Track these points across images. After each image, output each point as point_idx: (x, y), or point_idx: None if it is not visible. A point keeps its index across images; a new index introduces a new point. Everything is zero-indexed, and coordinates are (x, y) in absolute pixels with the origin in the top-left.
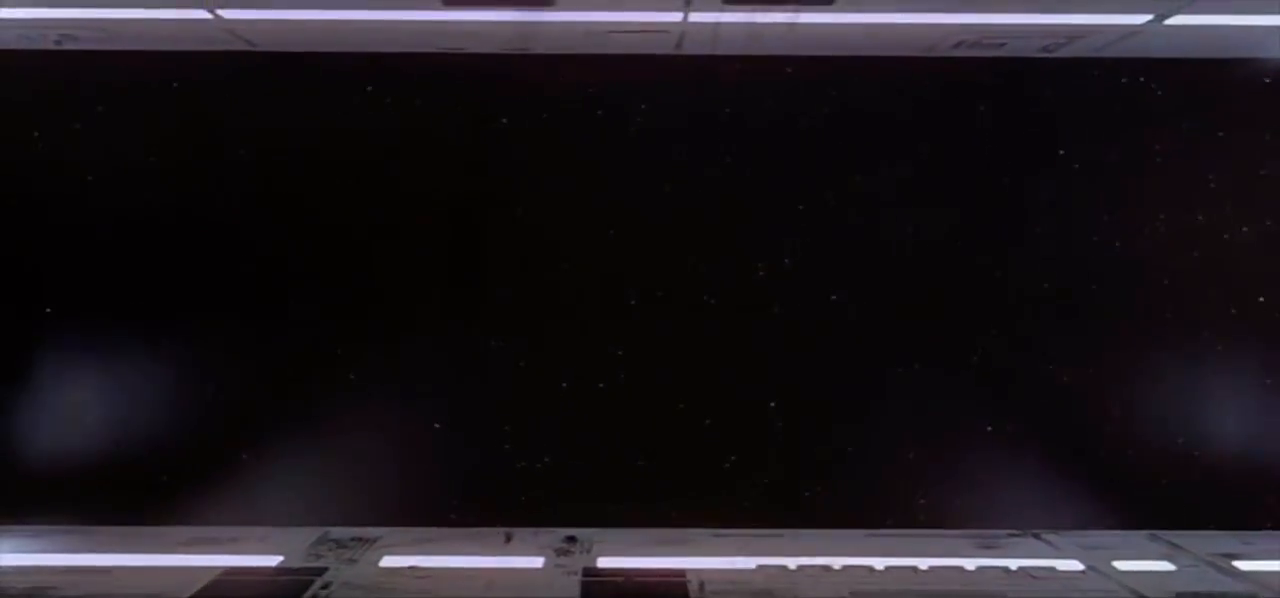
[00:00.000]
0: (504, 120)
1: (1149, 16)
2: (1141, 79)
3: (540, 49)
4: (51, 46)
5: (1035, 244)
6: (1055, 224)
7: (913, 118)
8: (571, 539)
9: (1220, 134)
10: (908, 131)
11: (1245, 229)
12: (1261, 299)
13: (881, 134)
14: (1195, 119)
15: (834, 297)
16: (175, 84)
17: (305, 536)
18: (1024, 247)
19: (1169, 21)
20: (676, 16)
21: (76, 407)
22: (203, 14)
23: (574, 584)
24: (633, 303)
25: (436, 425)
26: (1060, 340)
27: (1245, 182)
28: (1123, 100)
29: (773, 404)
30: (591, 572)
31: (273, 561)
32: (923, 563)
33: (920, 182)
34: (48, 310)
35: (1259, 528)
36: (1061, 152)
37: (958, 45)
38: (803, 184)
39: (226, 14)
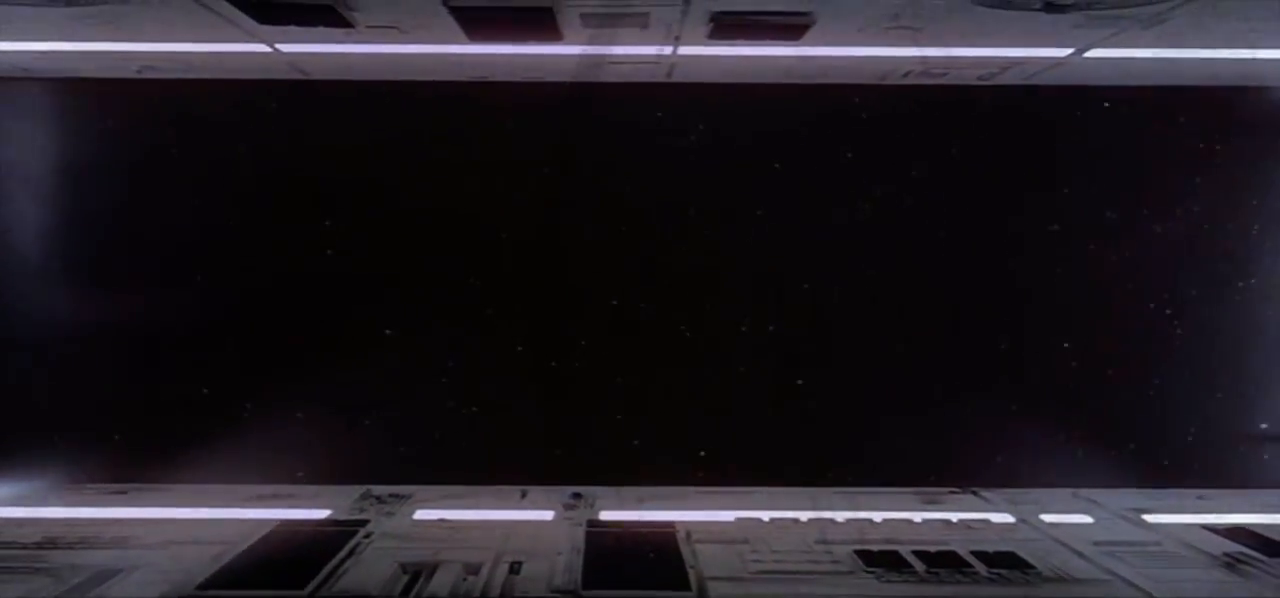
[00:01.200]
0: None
1: (1071, 50)
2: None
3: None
4: (133, 75)
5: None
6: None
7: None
8: (577, 496)
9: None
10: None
11: (1158, 229)
12: (1168, 309)
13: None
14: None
15: (806, 285)
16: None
17: (350, 493)
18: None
19: (1088, 54)
20: (664, 49)
21: (160, 384)
22: (264, 48)
23: (579, 534)
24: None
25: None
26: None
27: (1155, 187)
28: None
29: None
30: (595, 523)
31: (322, 513)
32: (877, 516)
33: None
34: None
35: (1165, 488)
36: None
37: (907, 75)
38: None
39: (284, 48)
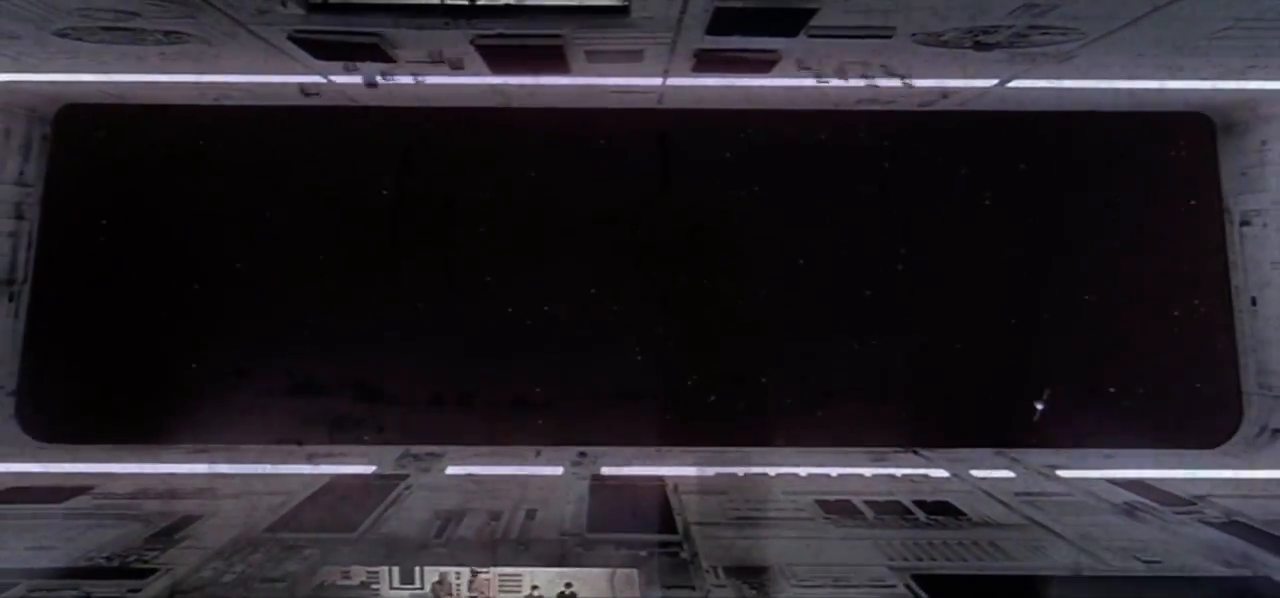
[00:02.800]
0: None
1: (994, 81)
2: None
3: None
4: (211, 103)
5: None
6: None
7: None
8: (583, 454)
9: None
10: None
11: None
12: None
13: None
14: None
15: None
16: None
17: (393, 452)
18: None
19: (1010, 84)
20: (656, 81)
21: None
22: (319, 79)
23: (584, 486)
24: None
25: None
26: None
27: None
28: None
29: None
30: (597, 477)
31: (369, 469)
32: (833, 471)
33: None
34: (194, 285)
35: (1075, 448)
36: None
37: (859, 102)
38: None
39: (337, 79)
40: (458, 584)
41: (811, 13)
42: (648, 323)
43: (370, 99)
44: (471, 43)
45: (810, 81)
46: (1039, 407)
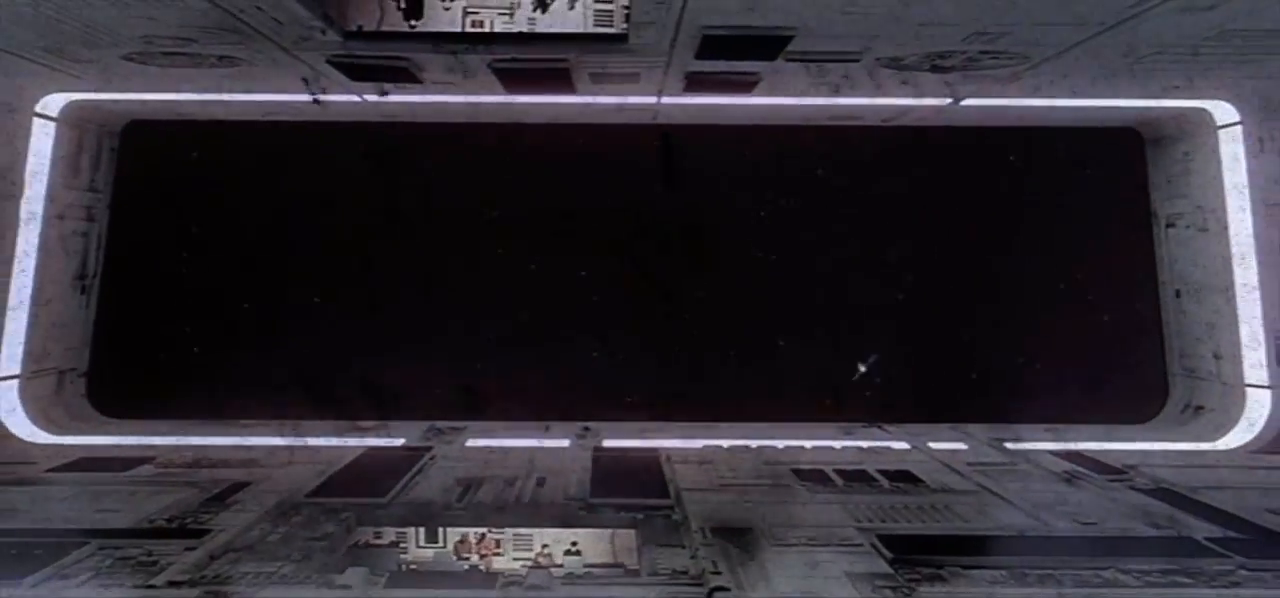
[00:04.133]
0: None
1: (949, 100)
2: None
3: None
4: (260, 118)
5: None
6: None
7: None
8: (587, 429)
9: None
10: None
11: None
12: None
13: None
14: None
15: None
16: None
17: (419, 427)
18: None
19: (963, 103)
20: (651, 99)
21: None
22: (355, 98)
23: (588, 457)
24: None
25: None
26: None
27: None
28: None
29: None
30: (599, 449)
31: (398, 442)
32: (808, 443)
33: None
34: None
35: (1021, 423)
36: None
37: (831, 118)
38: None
39: (390, 99)
40: (476, 544)
41: (788, 40)
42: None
43: (393, 115)
44: (489, 66)
45: (788, 100)
46: (862, 368)
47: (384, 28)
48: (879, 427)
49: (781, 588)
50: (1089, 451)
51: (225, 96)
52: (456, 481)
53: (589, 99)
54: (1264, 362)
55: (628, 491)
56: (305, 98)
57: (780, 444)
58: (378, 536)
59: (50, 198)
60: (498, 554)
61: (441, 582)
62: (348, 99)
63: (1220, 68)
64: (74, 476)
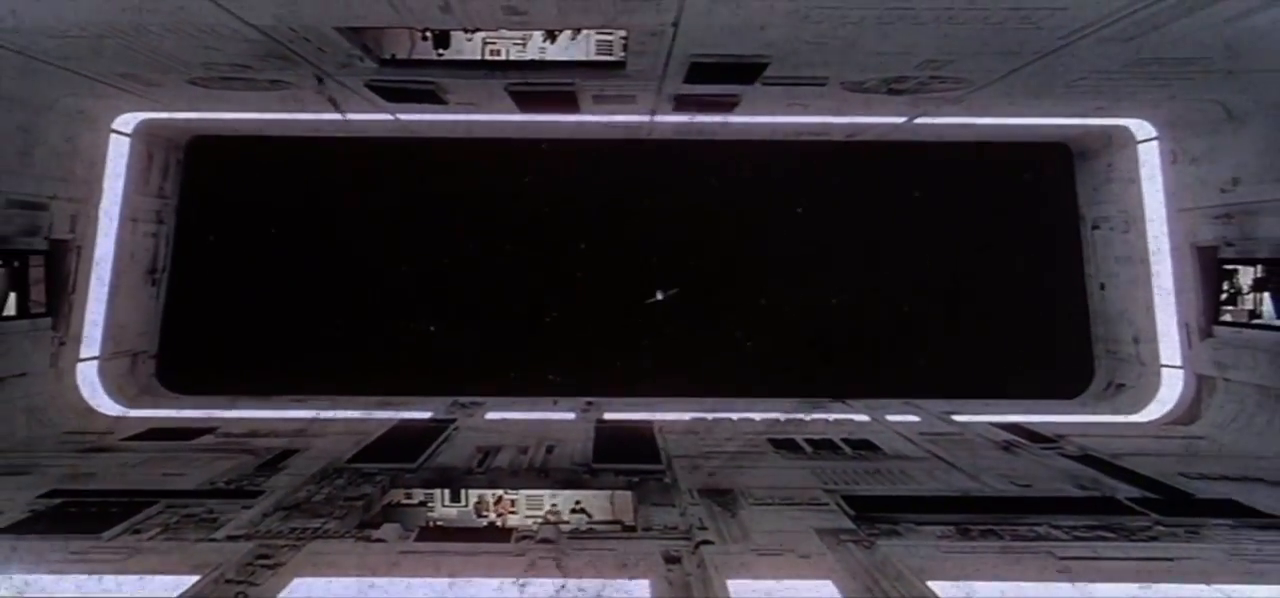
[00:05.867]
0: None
1: (904, 118)
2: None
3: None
4: (306, 134)
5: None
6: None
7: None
8: (590, 403)
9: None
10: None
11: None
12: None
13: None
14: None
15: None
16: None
17: (444, 402)
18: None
19: (916, 121)
20: (645, 117)
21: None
22: (388, 117)
23: (591, 427)
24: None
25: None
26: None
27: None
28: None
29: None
30: (601, 422)
31: (425, 414)
32: (781, 416)
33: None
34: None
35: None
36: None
37: (800, 134)
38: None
39: (403, 117)
40: (494, 503)
41: (764, 66)
42: None
43: (413, 131)
44: (505, 89)
45: (763, 118)
46: (660, 296)
47: (414, 56)
48: (843, 402)
49: (759, 542)
50: (1024, 423)
51: (277, 115)
52: (477, 448)
53: (591, 117)
54: (1176, 345)
55: (626, 457)
56: (340, 117)
57: (757, 417)
58: (408, 496)
59: (125, 203)
60: (513, 513)
61: (464, 537)
62: (380, 117)
63: (1139, 91)
64: (145, 444)
